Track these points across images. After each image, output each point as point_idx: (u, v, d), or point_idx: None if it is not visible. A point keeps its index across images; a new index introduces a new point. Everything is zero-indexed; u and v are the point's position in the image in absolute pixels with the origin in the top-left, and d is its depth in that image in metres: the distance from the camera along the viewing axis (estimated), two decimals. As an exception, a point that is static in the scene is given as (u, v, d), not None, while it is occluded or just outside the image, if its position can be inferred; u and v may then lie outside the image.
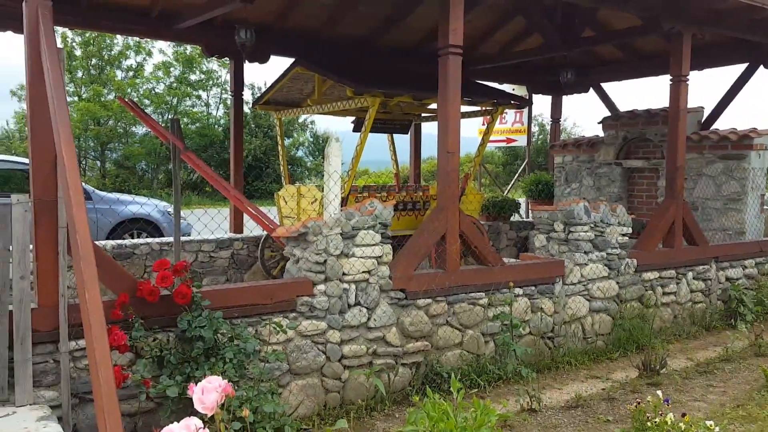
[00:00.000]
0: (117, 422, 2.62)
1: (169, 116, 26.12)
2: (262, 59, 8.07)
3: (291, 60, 7.81)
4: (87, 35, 24.50)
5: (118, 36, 24.22)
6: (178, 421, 2.13)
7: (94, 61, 25.45)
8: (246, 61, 8.04)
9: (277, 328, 4.25)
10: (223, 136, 26.65)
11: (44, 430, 3.21)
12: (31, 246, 3.61)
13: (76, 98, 25.17)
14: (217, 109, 29.03)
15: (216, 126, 27.88)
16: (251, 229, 7.78)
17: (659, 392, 4.07)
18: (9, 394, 3.54)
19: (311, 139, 31.46)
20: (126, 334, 3.64)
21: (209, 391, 2.27)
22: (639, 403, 4.03)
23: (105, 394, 2.66)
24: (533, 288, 5.76)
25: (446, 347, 5.24)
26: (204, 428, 1.97)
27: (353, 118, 9.01)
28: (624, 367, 5.77)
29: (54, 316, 3.61)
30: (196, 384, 2.29)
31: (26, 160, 9.98)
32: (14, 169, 10.14)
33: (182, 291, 3.84)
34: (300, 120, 30.10)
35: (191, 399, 3.53)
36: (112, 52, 25.81)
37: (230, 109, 8.83)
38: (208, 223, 6.18)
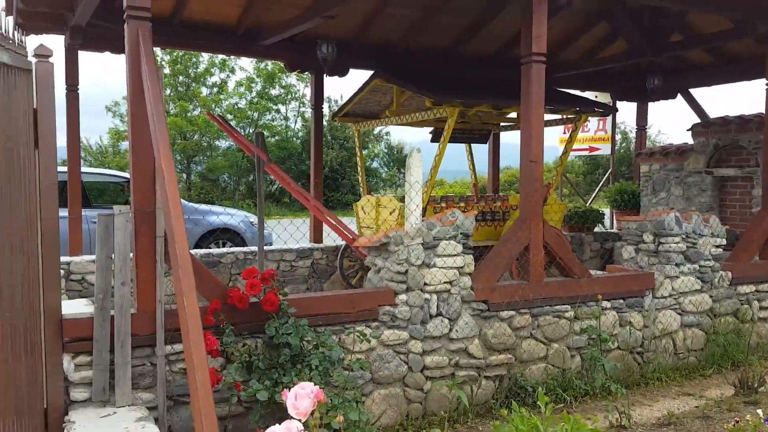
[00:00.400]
0: (213, 424, 2.71)
1: (251, 130, 26.98)
2: (342, 73, 8.21)
3: (369, 72, 7.92)
4: (175, 54, 25.67)
5: (204, 54, 25.24)
6: (266, 426, 2.20)
7: (181, 78, 26.63)
8: (326, 75, 8.21)
9: (361, 337, 4.29)
10: (301, 148, 27.24)
11: (143, 431, 3.36)
12: (131, 254, 3.81)
13: (164, 114, 26.29)
14: (296, 122, 29.73)
15: (294, 138, 28.54)
16: (334, 239, 7.89)
17: (759, 411, 3.84)
18: (110, 395, 3.72)
19: (386, 151, 31.68)
20: (217, 339, 3.78)
21: (302, 397, 2.32)
22: (737, 422, 3.82)
23: (202, 397, 2.76)
24: (621, 301, 5.57)
25: (530, 360, 5.14)
26: (304, 431, 2.02)
27: (431, 129, 9.02)
28: (718, 384, 5.49)
29: (151, 322, 3.78)
30: (285, 389, 2.35)
31: (120, 173, 10.56)
32: (109, 182, 10.75)
33: (270, 299, 3.95)
34: (375, 131, 30.40)
35: (279, 403, 3.61)
36: (198, 70, 26.93)
37: (310, 122, 9.02)
38: (293, 233, 6.34)
